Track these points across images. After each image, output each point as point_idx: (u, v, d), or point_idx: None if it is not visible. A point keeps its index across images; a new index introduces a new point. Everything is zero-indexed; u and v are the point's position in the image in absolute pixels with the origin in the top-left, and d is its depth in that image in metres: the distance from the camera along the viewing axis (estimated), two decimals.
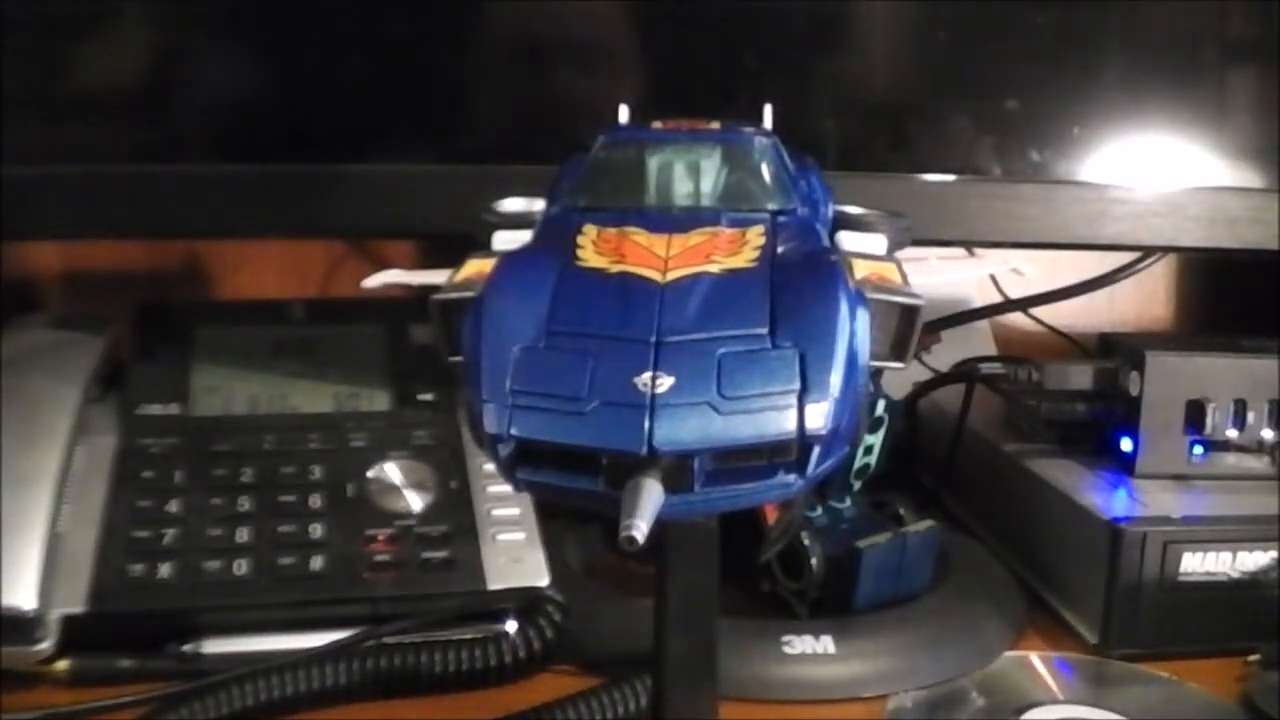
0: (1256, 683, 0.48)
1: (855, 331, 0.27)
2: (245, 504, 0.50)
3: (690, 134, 0.34)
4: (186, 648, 0.47)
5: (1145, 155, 0.57)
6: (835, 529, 0.52)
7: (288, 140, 0.54)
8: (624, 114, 0.36)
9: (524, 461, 0.27)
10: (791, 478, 0.26)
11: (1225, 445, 0.56)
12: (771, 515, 0.47)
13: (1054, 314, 0.79)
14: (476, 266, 0.30)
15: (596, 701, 0.44)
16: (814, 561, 0.50)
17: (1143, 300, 0.89)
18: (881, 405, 0.51)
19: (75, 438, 0.51)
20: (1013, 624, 0.53)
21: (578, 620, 0.49)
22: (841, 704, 0.47)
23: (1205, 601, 0.51)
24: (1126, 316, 0.88)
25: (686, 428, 0.25)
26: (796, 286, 0.28)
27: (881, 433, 0.51)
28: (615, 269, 0.29)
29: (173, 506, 0.50)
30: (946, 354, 0.66)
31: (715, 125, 0.35)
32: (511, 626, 0.48)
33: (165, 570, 0.47)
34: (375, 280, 0.39)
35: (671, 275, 0.28)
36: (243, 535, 0.49)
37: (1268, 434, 0.56)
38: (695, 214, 0.32)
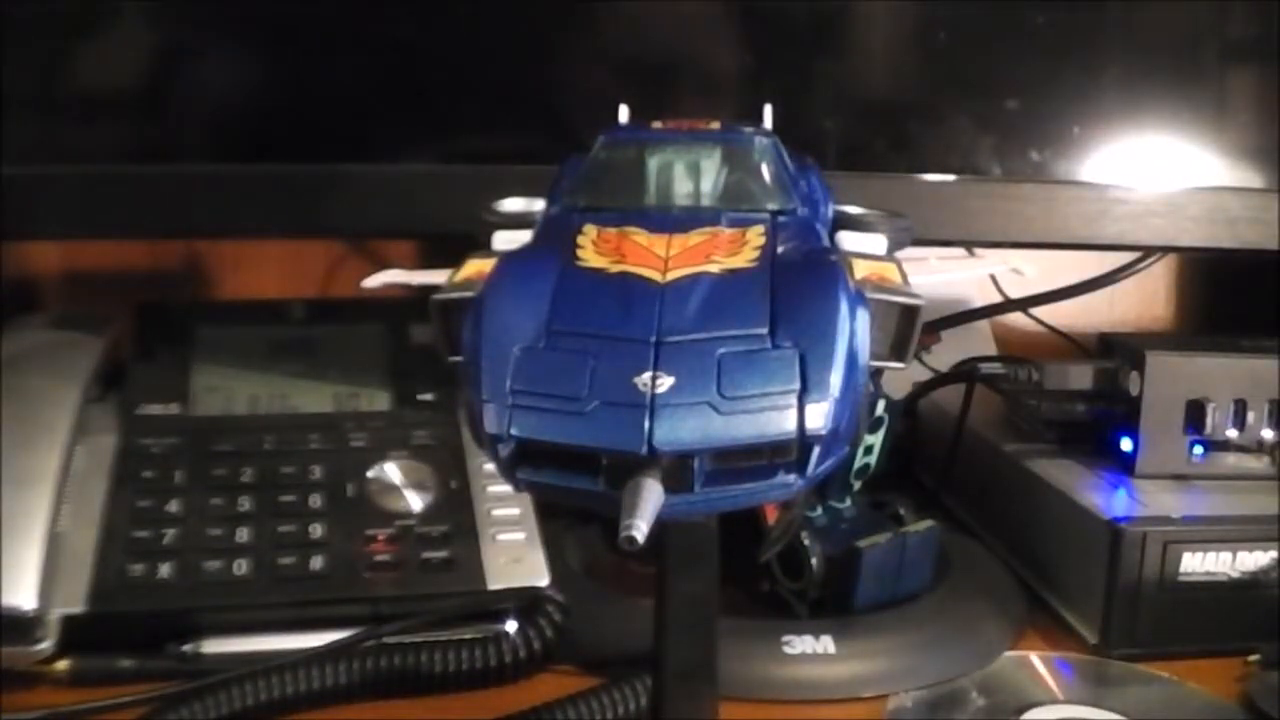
0: (1256, 683, 0.48)
1: (855, 331, 0.27)
2: (245, 504, 0.50)
3: (690, 134, 0.34)
4: (186, 648, 0.47)
5: (1145, 155, 0.57)
6: (835, 529, 0.52)
7: (288, 140, 0.54)
8: (624, 114, 0.36)
9: (524, 461, 0.27)
10: (791, 478, 0.26)
11: (1225, 445, 0.56)
12: (771, 515, 0.47)
13: (1054, 314, 0.79)
14: (476, 266, 0.30)
15: (596, 701, 0.44)
16: (814, 561, 0.50)
17: (1143, 300, 0.89)
18: (881, 405, 0.51)
19: (75, 438, 0.51)
20: (1013, 624, 0.53)
21: (578, 620, 0.49)
22: (841, 704, 0.47)
23: (1205, 601, 0.51)
24: (1126, 316, 0.88)
25: (686, 428, 0.25)
26: (796, 286, 0.28)
27: (881, 433, 0.51)
28: (615, 269, 0.29)
29: (173, 506, 0.50)
30: (946, 354, 0.66)
31: (715, 125, 0.35)
32: (511, 626, 0.48)
33: (165, 570, 0.47)
34: (375, 280, 0.39)
35: (671, 275, 0.28)
36: (243, 535, 0.49)
37: (1268, 434, 0.56)
38: (695, 214, 0.32)
